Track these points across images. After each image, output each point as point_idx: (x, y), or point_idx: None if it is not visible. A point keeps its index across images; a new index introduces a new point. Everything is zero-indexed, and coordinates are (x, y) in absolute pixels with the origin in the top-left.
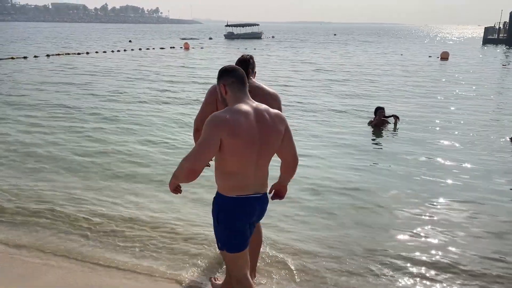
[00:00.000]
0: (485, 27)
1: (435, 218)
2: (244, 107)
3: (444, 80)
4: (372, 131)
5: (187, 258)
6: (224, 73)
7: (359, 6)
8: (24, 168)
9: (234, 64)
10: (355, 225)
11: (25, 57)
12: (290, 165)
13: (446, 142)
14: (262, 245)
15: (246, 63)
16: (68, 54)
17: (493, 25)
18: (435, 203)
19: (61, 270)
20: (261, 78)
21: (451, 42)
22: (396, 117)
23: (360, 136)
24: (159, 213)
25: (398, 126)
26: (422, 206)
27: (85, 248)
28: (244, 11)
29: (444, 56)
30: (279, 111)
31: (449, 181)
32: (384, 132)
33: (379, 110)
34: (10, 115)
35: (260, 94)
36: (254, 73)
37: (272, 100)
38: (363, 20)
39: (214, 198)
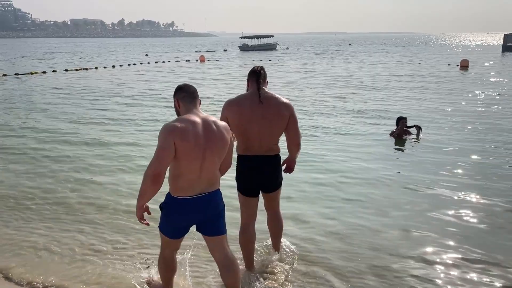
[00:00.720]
0: (504, 34)
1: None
2: (193, 117)
3: (466, 90)
4: (394, 142)
5: None
6: (179, 90)
7: (373, 16)
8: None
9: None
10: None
11: (44, 72)
12: (225, 169)
13: (472, 163)
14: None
15: (257, 74)
16: (86, 69)
17: None
18: (458, 247)
19: None
20: (278, 91)
21: (469, 50)
22: (418, 127)
23: (381, 156)
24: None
25: (420, 136)
26: (440, 247)
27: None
28: (257, 23)
29: (464, 64)
30: (226, 124)
31: (475, 215)
32: (406, 144)
33: (401, 120)
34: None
35: (274, 104)
36: (266, 83)
37: (285, 108)
38: (377, 29)
39: (167, 193)
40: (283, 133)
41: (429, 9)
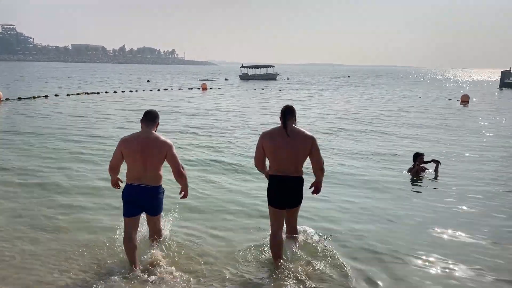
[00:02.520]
0: (502, 71)
1: None
2: (141, 134)
3: (471, 125)
4: (411, 179)
5: None
6: (143, 114)
7: (370, 49)
8: None
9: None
10: None
11: (46, 96)
12: (174, 173)
13: (493, 202)
14: None
15: (284, 113)
16: (87, 93)
17: (508, 69)
18: None
19: None
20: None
21: (466, 85)
22: (437, 162)
23: (399, 192)
24: None
25: (439, 172)
26: None
27: None
28: (256, 53)
29: (465, 100)
30: (167, 141)
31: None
32: (423, 182)
33: (419, 157)
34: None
35: (299, 137)
36: (294, 118)
37: (308, 140)
38: (375, 62)
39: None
40: (307, 160)
41: (421, 44)
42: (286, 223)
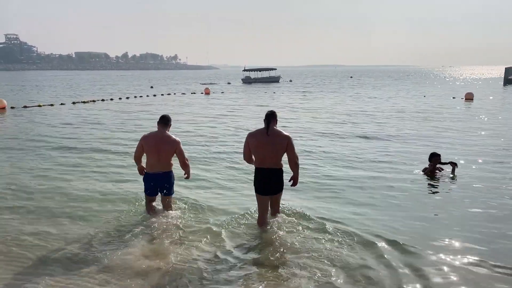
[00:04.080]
0: (505, 68)
1: None
2: (157, 133)
3: (478, 123)
4: (427, 180)
5: None
6: (160, 118)
7: (372, 49)
8: None
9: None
10: None
11: (51, 105)
12: (180, 164)
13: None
14: None
15: (267, 116)
16: (94, 101)
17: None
18: None
19: None
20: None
21: (469, 83)
22: (454, 164)
23: (412, 193)
24: None
25: (456, 173)
26: None
27: None
28: (259, 56)
29: (469, 97)
30: (176, 139)
31: None
32: (439, 184)
33: (434, 157)
34: None
35: (277, 136)
36: (275, 121)
37: (284, 139)
38: (377, 62)
39: None
40: (285, 156)
41: (423, 44)
42: (270, 207)
